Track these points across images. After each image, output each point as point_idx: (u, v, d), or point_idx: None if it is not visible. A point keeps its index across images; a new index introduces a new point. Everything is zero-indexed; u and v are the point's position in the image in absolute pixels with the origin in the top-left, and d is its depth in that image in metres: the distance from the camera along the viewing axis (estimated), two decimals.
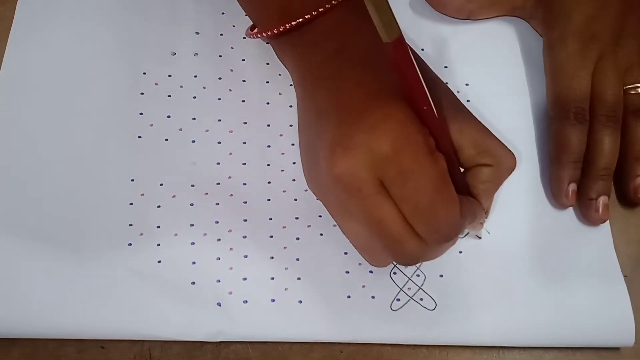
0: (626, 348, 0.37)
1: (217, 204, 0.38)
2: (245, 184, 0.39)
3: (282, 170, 0.40)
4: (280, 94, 0.42)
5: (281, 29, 0.36)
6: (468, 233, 0.39)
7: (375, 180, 0.29)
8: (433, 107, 0.30)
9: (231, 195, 0.39)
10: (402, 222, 0.30)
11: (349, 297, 0.37)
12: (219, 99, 0.42)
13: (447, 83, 0.43)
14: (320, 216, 0.39)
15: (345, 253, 0.38)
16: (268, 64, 0.43)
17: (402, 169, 0.28)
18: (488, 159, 0.34)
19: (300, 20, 0.35)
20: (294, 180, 0.40)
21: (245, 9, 0.40)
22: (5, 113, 0.40)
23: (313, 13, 0.34)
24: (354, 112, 0.30)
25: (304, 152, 0.36)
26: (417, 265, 0.38)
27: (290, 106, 0.42)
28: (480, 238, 0.39)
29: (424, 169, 0.29)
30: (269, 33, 0.37)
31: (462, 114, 0.35)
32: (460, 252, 0.38)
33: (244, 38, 0.42)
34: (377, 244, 0.32)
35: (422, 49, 0.44)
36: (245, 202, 0.39)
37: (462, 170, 0.35)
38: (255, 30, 0.39)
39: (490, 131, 0.35)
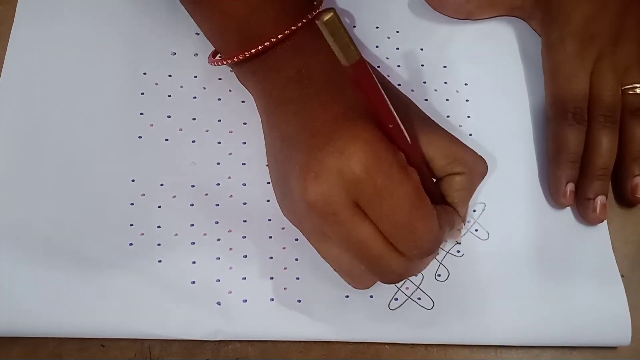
0: (624, 347, 0.38)
1: (217, 204, 0.39)
2: (245, 185, 0.39)
3: None
4: None
5: (241, 57, 0.35)
6: (447, 241, 0.39)
7: (350, 202, 0.29)
8: (400, 123, 0.30)
9: (231, 196, 0.39)
10: (383, 241, 0.30)
11: (347, 296, 0.37)
12: (219, 99, 0.42)
13: (445, 83, 0.43)
14: None
15: None
16: None
17: (376, 189, 0.28)
18: (459, 167, 0.34)
19: (260, 47, 0.34)
20: None
21: (206, 35, 0.39)
22: (5, 113, 0.40)
23: (272, 40, 0.34)
24: (321, 136, 0.30)
25: (275, 179, 0.35)
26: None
27: None
28: (459, 243, 0.39)
29: (397, 185, 0.29)
30: (229, 61, 0.36)
31: (429, 126, 0.35)
32: (459, 251, 0.39)
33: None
34: (358, 267, 0.32)
35: (421, 49, 0.45)
36: (245, 203, 0.39)
37: (435, 180, 0.35)
38: (217, 57, 0.38)
39: (459, 140, 0.35)
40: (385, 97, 0.28)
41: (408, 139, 0.31)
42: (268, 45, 0.34)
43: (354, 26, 0.45)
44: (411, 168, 0.30)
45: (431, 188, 0.34)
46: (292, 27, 0.34)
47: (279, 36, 0.34)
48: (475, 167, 0.35)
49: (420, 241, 0.30)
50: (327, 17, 0.24)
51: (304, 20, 0.35)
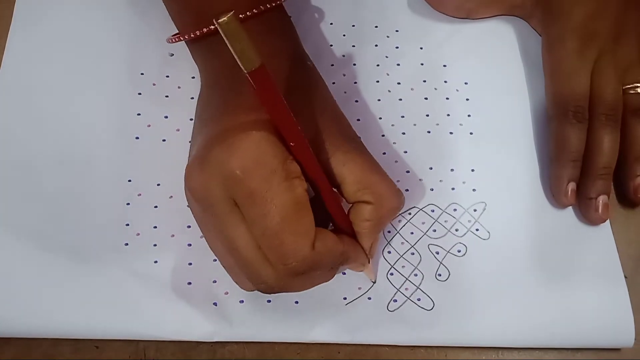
0: (627, 349, 0.37)
1: None
2: None
3: None
4: None
5: (192, 35, 0.35)
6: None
7: (227, 198, 0.29)
8: (302, 137, 0.29)
9: None
10: (254, 247, 0.29)
11: (345, 298, 0.36)
12: None
13: (445, 82, 0.43)
14: None
15: None
16: None
17: (250, 191, 0.28)
18: (368, 196, 0.32)
19: (205, 30, 0.34)
20: None
21: (170, 15, 0.39)
22: (2, 112, 0.40)
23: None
24: (220, 127, 0.30)
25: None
26: (415, 265, 0.38)
27: None
28: (374, 282, 0.37)
29: (273, 194, 0.28)
30: (181, 38, 0.36)
31: (350, 145, 0.33)
32: (459, 251, 0.38)
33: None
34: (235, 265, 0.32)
35: (421, 48, 0.44)
36: None
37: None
38: (174, 35, 0.38)
39: (379, 167, 0.33)
40: (288, 111, 0.28)
41: (312, 154, 0.30)
42: (214, 29, 0.33)
43: (353, 25, 0.45)
44: (299, 181, 0.29)
45: (338, 212, 0.33)
46: (241, 15, 0.33)
47: None
48: (386, 200, 0.32)
49: (286, 257, 0.29)
50: (222, 18, 0.23)
51: (255, 11, 0.34)
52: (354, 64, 0.44)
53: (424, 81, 0.43)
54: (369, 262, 0.35)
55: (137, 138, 0.40)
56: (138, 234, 0.37)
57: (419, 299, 0.37)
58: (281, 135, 0.29)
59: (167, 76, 0.42)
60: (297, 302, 0.36)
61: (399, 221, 0.39)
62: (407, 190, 0.40)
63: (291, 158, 0.29)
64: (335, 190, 0.33)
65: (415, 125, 0.42)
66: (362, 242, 0.34)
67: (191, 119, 0.40)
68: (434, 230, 0.39)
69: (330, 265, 0.31)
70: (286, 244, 0.28)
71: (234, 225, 0.29)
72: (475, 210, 0.39)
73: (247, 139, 0.28)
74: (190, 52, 0.39)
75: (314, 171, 0.30)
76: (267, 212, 0.28)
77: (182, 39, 0.35)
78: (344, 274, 0.37)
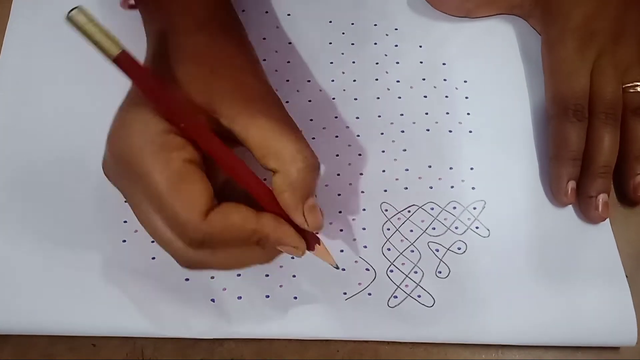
0: (626, 348, 0.37)
1: None
2: None
3: None
4: (276, 89, 0.42)
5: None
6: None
7: (125, 180, 0.30)
8: (189, 115, 0.29)
9: None
10: (159, 221, 0.29)
11: (344, 293, 0.36)
12: None
13: (445, 80, 0.43)
14: None
15: (342, 251, 0.38)
16: (265, 60, 0.42)
17: (133, 170, 0.28)
18: (273, 163, 0.30)
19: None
20: None
21: None
22: (1, 111, 0.40)
23: None
24: (124, 104, 0.31)
25: None
26: (415, 262, 0.37)
27: (287, 102, 0.41)
28: (337, 267, 0.33)
29: (150, 169, 0.28)
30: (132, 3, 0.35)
31: (254, 108, 0.30)
32: (459, 248, 0.38)
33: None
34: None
35: (420, 46, 0.44)
36: None
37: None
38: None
39: (286, 128, 0.30)
40: (163, 89, 0.28)
41: (204, 129, 0.29)
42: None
43: (352, 23, 0.45)
44: (179, 153, 0.28)
45: (251, 188, 0.30)
46: None
47: None
48: (290, 164, 0.29)
49: (177, 227, 0.28)
50: (69, 13, 0.24)
51: None
52: (353, 62, 0.44)
53: (423, 79, 0.43)
54: (308, 246, 0.31)
55: None
56: (136, 231, 0.37)
57: (419, 296, 0.36)
58: (166, 116, 0.29)
59: None
60: (295, 298, 0.36)
61: (398, 219, 0.39)
62: (405, 188, 0.40)
63: (168, 130, 0.28)
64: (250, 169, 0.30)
65: (414, 123, 0.42)
66: (293, 217, 0.30)
67: None
68: (434, 228, 0.39)
69: (240, 241, 0.29)
70: (175, 215, 0.28)
71: (138, 203, 0.29)
72: (474, 209, 0.39)
73: (122, 120, 0.29)
74: (142, 16, 0.39)
75: (211, 147, 0.29)
76: (151, 187, 0.28)
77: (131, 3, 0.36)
78: (344, 270, 0.37)
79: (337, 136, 0.41)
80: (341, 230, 0.38)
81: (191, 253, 0.29)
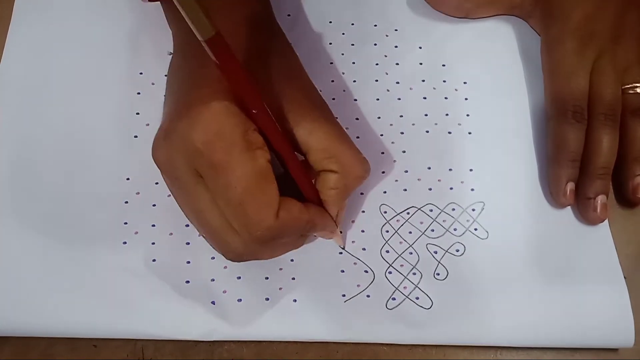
0: (625, 349, 0.37)
1: None
2: None
3: None
4: None
5: None
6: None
7: (191, 170, 0.29)
8: (265, 107, 0.29)
9: None
10: (220, 216, 0.30)
11: (343, 295, 0.36)
12: None
13: (444, 81, 0.43)
14: None
15: (340, 253, 0.38)
16: None
17: (212, 163, 0.28)
18: (334, 165, 0.32)
19: None
20: None
21: None
22: (2, 111, 0.40)
23: None
24: (184, 99, 0.31)
25: None
26: (413, 264, 0.38)
27: None
28: (343, 248, 0.38)
29: (235, 165, 0.28)
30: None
31: (316, 114, 0.33)
32: (458, 250, 0.38)
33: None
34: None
35: (420, 47, 0.44)
36: None
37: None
38: None
39: (346, 135, 0.34)
40: (249, 79, 0.28)
41: (274, 123, 0.30)
42: None
43: (352, 24, 0.45)
44: (262, 152, 0.29)
45: (302, 180, 0.33)
46: None
47: None
48: (351, 169, 0.33)
49: (250, 227, 0.29)
50: None
51: None
52: (353, 63, 0.44)
53: (423, 81, 0.43)
54: (338, 229, 0.36)
55: (135, 137, 0.40)
56: (136, 233, 0.37)
57: (417, 298, 0.37)
58: (243, 105, 0.29)
59: (166, 75, 0.41)
60: (295, 300, 0.36)
61: (397, 220, 0.39)
62: (404, 190, 0.40)
63: (253, 128, 0.29)
64: (302, 159, 0.33)
65: (413, 124, 0.42)
66: (329, 210, 0.34)
67: None
68: (432, 230, 0.39)
69: (297, 232, 0.32)
70: (250, 214, 0.29)
71: (199, 197, 0.30)
72: (473, 210, 0.39)
73: (207, 111, 0.29)
74: (165, 15, 0.39)
75: (277, 140, 0.30)
76: (229, 183, 0.28)
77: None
78: (343, 271, 0.37)
79: None
80: (340, 232, 0.38)
81: (248, 248, 0.31)
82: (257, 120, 0.29)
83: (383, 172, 0.40)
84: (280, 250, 0.34)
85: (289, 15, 0.45)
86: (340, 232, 0.37)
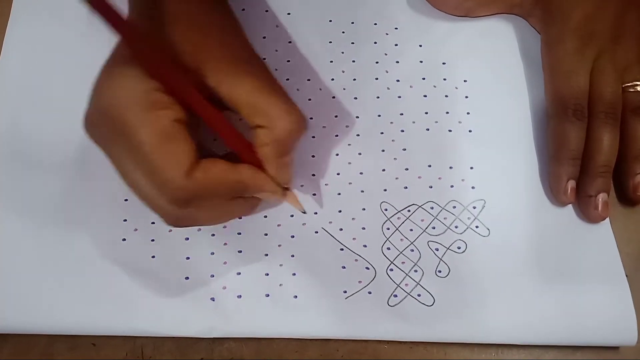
0: (626, 348, 0.37)
1: None
2: None
3: None
4: None
5: None
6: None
7: (111, 136, 0.29)
8: (170, 68, 0.29)
9: None
10: (140, 176, 0.30)
11: (344, 292, 0.36)
12: None
13: (444, 79, 0.43)
14: (315, 213, 0.38)
15: (341, 249, 0.37)
16: (265, 58, 0.42)
17: (119, 127, 0.28)
18: (261, 120, 0.31)
19: None
20: None
21: None
22: (2, 110, 0.40)
23: None
24: (103, 68, 0.31)
25: None
26: (415, 261, 0.37)
27: None
28: (304, 212, 0.38)
29: (138, 125, 0.28)
30: None
31: (240, 68, 0.32)
32: (459, 248, 0.38)
33: None
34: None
35: (420, 45, 0.44)
36: None
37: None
38: None
39: (275, 88, 0.32)
40: (144, 42, 0.28)
41: (184, 81, 0.30)
42: None
43: (352, 22, 0.45)
44: (167, 112, 0.29)
45: (230, 140, 0.32)
46: None
47: None
48: (278, 121, 0.31)
49: (162, 187, 0.29)
50: None
51: None
52: (353, 61, 0.43)
53: (423, 79, 0.43)
54: (283, 190, 0.34)
55: None
56: (136, 230, 0.37)
57: (419, 295, 0.36)
58: (153, 70, 0.29)
59: None
60: (296, 297, 0.36)
61: (398, 218, 0.39)
62: (405, 187, 0.40)
63: (155, 88, 0.29)
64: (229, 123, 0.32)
65: (414, 122, 0.42)
66: (268, 169, 0.33)
67: None
68: (434, 228, 0.39)
69: (224, 194, 0.32)
70: (158, 174, 0.29)
71: (122, 161, 0.30)
72: (474, 208, 0.39)
73: (109, 77, 0.29)
74: None
75: (191, 99, 0.30)
76: (136, 144, 0.28)
77: None
78: (344, 267, 0.37)
79: (337, 135, 0.41)
80: (341, 229, 0.38)
81: (175, 210, 0.30)
82: (165, 80, 0.29)
83: (384, 170, 0.40)
84: (218, 214, 0.33)
85: (289, 13, 0.45)
86: (293, 192, 0.36)
